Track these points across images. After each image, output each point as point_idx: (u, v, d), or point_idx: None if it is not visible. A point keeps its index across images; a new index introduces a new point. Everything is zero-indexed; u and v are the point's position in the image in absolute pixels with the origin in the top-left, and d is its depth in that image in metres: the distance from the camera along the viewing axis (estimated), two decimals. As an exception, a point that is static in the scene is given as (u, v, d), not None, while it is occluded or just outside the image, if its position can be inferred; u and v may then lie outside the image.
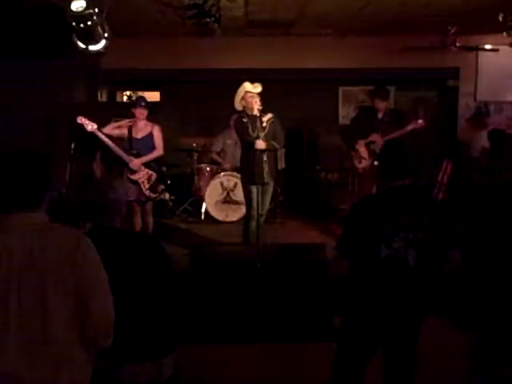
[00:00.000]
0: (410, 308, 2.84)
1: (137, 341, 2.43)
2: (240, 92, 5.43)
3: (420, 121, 6.01)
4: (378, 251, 2.72)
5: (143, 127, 5.84)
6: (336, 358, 2.96)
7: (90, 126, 5.58)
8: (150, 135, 5.84)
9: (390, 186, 2.87)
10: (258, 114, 5.30)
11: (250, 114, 5.38)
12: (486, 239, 3.05)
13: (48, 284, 1.90)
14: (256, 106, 5.30)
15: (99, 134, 5.62)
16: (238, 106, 5.48)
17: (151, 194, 5.87)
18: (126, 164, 5.74)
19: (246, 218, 5.67)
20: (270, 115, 5.40)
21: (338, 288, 3.11)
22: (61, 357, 1.94)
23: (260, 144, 5.22)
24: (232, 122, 6.45)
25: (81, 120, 5.61)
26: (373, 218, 2.76)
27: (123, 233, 2.58)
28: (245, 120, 5.38)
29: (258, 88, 5.35)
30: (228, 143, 7.67)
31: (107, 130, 5.74)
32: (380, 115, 6.09)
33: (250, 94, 5.35)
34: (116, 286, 2.32)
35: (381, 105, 6.05)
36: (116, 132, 5.81)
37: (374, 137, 5.98)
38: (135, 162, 5.76)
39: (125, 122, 5.85)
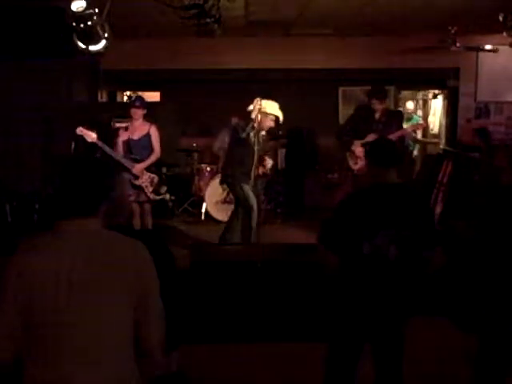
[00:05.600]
0: (392, 304, 2.87)
1: None
2: (269, 109, 5.53)
3: (420, 122, 6.00)
4: (360, 247, 2.77)
5: (140, 127, 5.86)
6: (328, 355, 3.00)
7: (90, 137, 5.60)
8: (148, 136, 5.86)
9: (376, 182, 2.91)
10: (258, 130, 5.44)
11: (254, 128, 5.42)
12: (488, 240, 3.05)
13: (106, 292, 1.88)
14: (267, 128, 5.60)
15: (99, 144, 5.64)
16: (255, 112, 5.35)
17: (156, 197, 5.91)
18: (127, 169, 5.75)
19: (243, 218, 5.71)
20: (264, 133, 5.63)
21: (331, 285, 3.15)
22: (114, 365, 1.90)
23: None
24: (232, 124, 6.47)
25: (81, 131, 5.60)
26: (357, 213, 2.81)
27: (130, 231, 2.59)
28: (249, 133, 5.45)
29: (280, 120, 5.64)
30: (227, 141, 7.67)
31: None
32: (377, 115, 5.99)
33: (273, 118, 5.57)
34: None
35: (378, 105, 5.96)
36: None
37: (371, 137, 5.88)
38: (138, 168, 5.77)
39: (123, 129, 5.94)
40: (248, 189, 5.54)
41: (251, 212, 5.57)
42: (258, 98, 5.32)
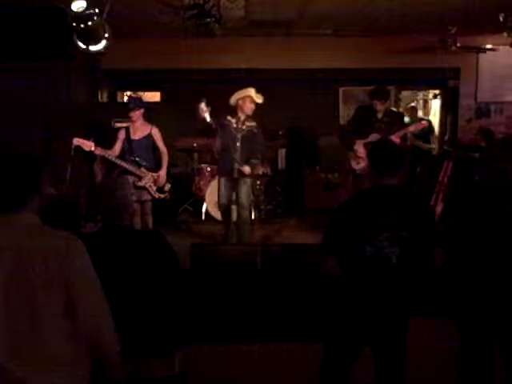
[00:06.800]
0: (394, 306, 2.87)
1: (151, 335, 2.44)
2: (243, 93, 5.71)
3: (423, 121, 6.00)
4: (363, 249, 2.78)
5: (140, 127, 5.85)
6: (323, 357, 3.01)
7: (88, 147, 5.53)
8: (149, 136, 5.86)
9: (377, 184, 2.92)
10: (243, 118, 5.69)
11: (236, 115, 5.70)
12: (487, 238, 3.05)
13: (35, 286, 1.89)
14: (249, 110, 5.70)
15: (97, 152, 5.59)
16: (234, 101, 5.76)
17: (160, 195, 5.93)
18: (131, 173, 5.71)
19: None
20: (253, 123, 5.77)
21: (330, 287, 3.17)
22: (53, 357, 1.92)
23: (246, 170, 5.66)
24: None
25: (78, 141, 5.52)
26: (358, 216, 2.82)
27: (133, 231, 2.59)
28: (231, 120, 5.74)
29: (259, 99, 5.71)
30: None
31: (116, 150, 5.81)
32: (379, 115, 6.02)
33: (251, 100, 5.68)
34: (128, 284, 2.36)
35: (380, 106, 5.97)
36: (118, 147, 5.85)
37: (374, 137, 5.90)
38: (161, 175, 5.86)
39: (123, 129, 5.91)
40: (222, 184, 5.78)
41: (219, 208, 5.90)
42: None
